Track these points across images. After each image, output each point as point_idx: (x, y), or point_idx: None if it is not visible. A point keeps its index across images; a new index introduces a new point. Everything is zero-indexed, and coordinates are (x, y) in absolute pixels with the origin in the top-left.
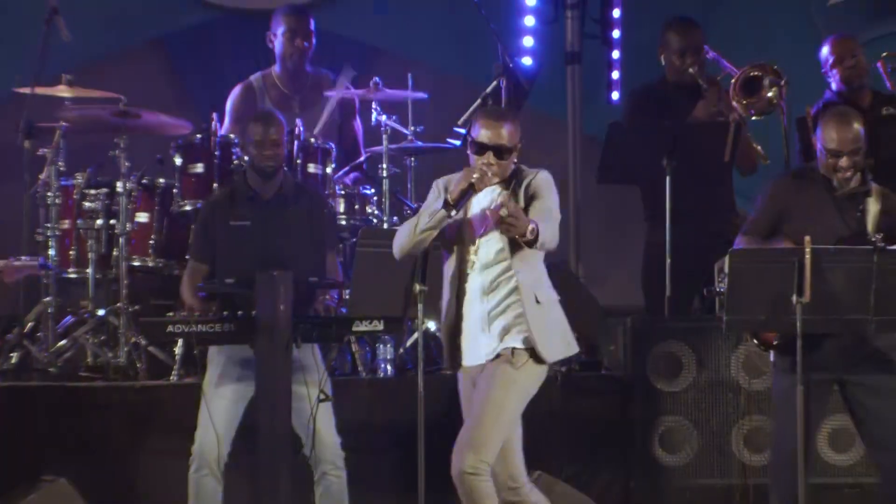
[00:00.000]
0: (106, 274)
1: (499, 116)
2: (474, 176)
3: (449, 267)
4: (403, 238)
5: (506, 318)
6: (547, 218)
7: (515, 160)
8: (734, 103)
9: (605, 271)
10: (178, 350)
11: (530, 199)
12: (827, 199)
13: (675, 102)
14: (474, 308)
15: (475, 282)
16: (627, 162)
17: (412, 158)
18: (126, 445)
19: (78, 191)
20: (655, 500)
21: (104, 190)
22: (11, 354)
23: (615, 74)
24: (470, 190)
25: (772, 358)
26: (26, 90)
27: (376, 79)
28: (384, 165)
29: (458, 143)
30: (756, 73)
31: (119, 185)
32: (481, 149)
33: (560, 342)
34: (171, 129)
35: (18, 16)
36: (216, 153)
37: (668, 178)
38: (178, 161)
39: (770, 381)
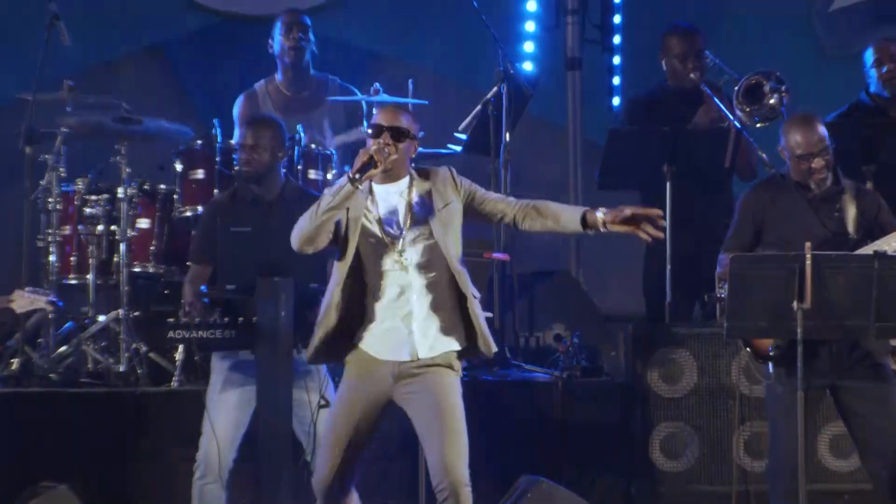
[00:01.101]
0: (107, 280)
1: (397, 106)
2: (372, 148)
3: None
4: (304, 223)
5: (435, 319)
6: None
7: (413, 156)
8: (737, 110)
9: (606, 277)
10: (178, 356)
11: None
12: (802, 204)
13: (676, 108)
14: (400, 305)
15: (404, 277)
16: (628, 168)
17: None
18: (127, 452)
19: (79, 197)
20: None
21: (105, 196)
22: (12, 361)
23: (616, 80)
24: (370, 163)
25: (770, 368)
26: (27, 96)
27: (377, 84)
28: None
29: (458, 148)
30: (758, 81)
31: (120, 191)
32: (378, 130)
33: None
34: (171, 135)
35: (19, 21)
36: (217, 159)
37: (668, 184)
38: (178, 167)
39: None
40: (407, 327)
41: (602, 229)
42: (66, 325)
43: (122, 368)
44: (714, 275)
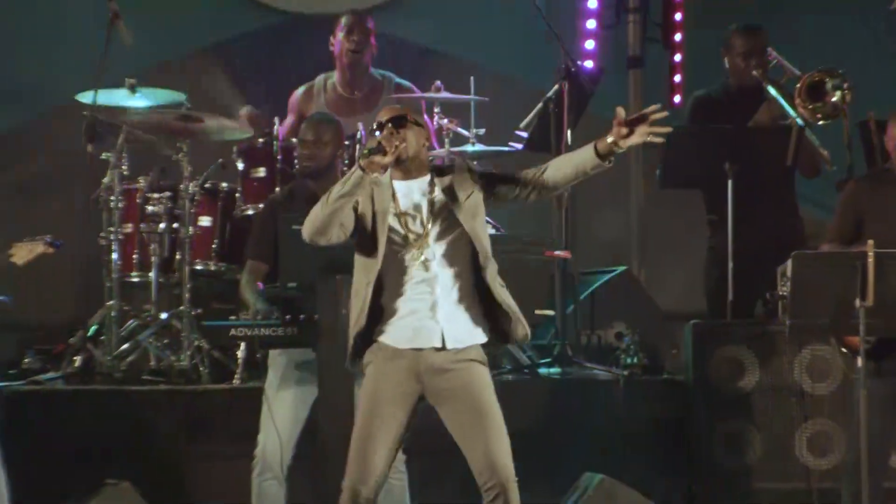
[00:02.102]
0: (169, 278)
1: (400, 102)
2: (381, 136)
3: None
4: (316, 212)
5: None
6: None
7: (426, 146)
8: (800, 108)
9: (667, 276)
10: (240, 353)
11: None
12: None
13: (738, 106)
14: (423, 298)
15: (425, 273)
16: (689, 166)
17: (475, 162)
18: (188, 449)
19: (141, 195)
20: (717, 503)
21: (167, 194)
22: (75, 358)
23: (677, 78)
24: (378, 149)
25: (858, 363)
26: (89, 94)
27: (438, 82)
28: None
29: (520, 146)
30: (821, 78)
31: (182, 189)
32: (378, 126)
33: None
34: (233, 133)
35: (81, 21)
36: (278, 157)
37: (730, 182)
38: (240, 165)
39: (835, 385)
40: (432, 317)
41: (617, 149)
42: (129, 322)
43: (184, 366)
44: (776, 272)
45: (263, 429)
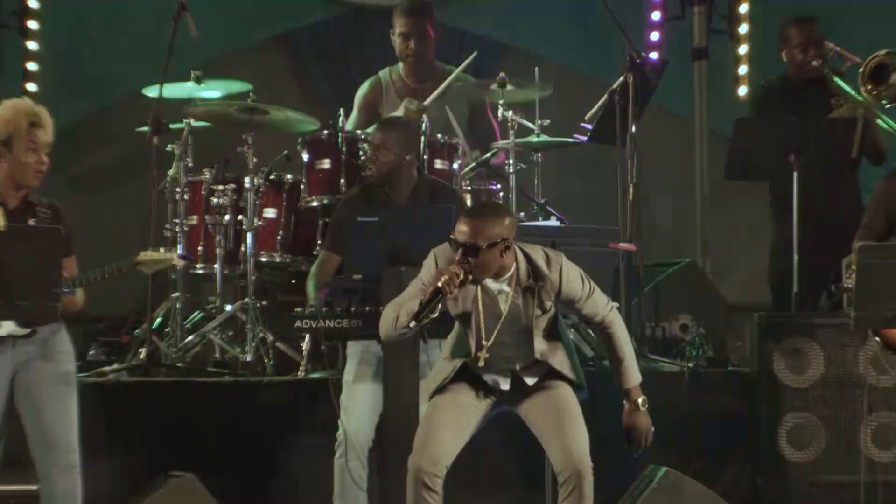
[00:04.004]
0: (233, 269)
1: (477, 213)
2: (443, 279)
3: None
4: (388, 327)
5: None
6: (592, 299)
7: (503, 255)
8: (863, 92)
9: (732, 267)
10: (305, 345)
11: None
12: None
13: (801, 97)
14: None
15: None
16: (754, 158)
17: (538, 154)
18: (253, 441)
19: (206, 187)
20: (782, 496)
21: (232, 186)
22: (140, 350)
23: (742, 70)
24: (439, 293)
25: None
26: (155, 86)
27: (502, 74)
28: (510, 161)
29: (584, 138)
30: (884, 61)
31: (247, 181)
32: (454, 245)
33: None
34: (298, 125)
35: (147, 12)
36: (343, 149)
37: (794, 174)
38: (305, 157)
39: None
40: None
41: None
42: (194, 314)
43: (248, 358)
44: (841, 264)
45: (344, 412)
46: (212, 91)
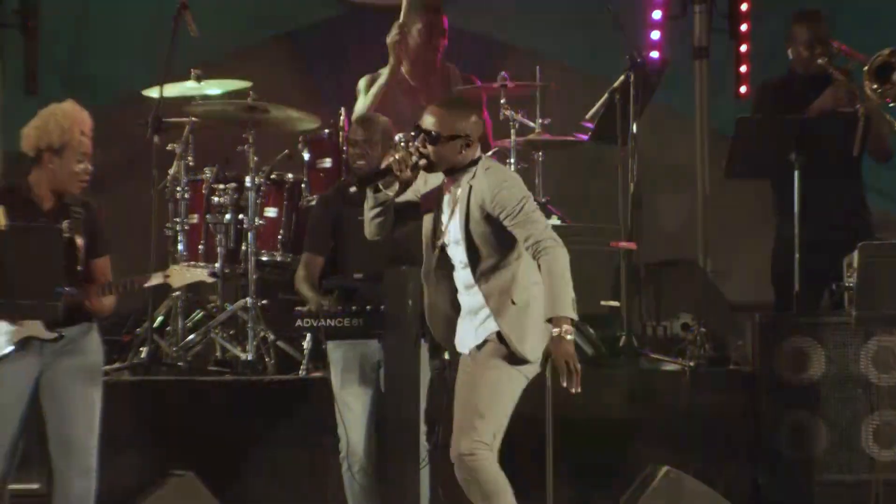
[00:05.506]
0: (234, 269)
1: (445, 104)
2: (397, 155)
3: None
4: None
5: (486, 311)
6: (525, 223)
7: (465, 151)
8: (867, 90)
9: (733, 266)
10: (306, 345)
11: (495, 211)
12: None
13: (804, 95)
14: (462, 299)
15: (459, 276)
16: (756, 156)
17: (540, 153)
18: (254, 439)
19: (206, 185)
20: (782, 495)
21: (233, 185)
22: (141, 349)
23: (743, 68)
24: (389, 170)
25: None
26: (155, 85)
27: (503, 73)
28: (512, 160)
29: (585, 136)
30: (888, 59)
31: (247, 180)
32: (416, 130)
33: (534, 342)
34: (298, 124)
35: (147, 11)
36: (344, 148)
37: (796, 173)
38: (306, 156)
39: None
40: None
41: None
42: (195, 313)
43: (249, 357)
44: (842, 263)
45: (341, 424)
46: (212, 90)
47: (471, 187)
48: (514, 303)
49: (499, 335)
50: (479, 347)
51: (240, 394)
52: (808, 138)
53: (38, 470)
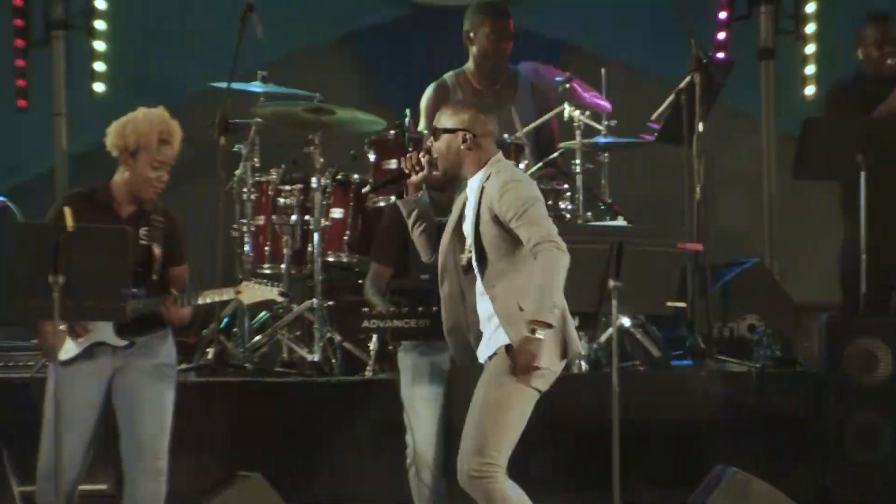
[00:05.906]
0: (301, 269)
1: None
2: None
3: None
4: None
5: (496, 320)
6: (528, 225)
7: (470, 148)
8: None
9: (800, 267)
10: (372, 346)
11: (501, 212)
12: None
13: (874, 96)
14: (479, 307)
15: (478, 282)
16: (824, 157)
17: (605, 154)
18: (320, 441)
19: (273, 187)
20: (850, 497)
21: (299, 186)
22: (207, 350)
23: (809, 70)
24: (399, 171)
25: None
26: (222, 86)
27: (568, 74)
28: (577, 161)
29: (651, 137)
30: None
31: (314, 181)
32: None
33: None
34: (364, 125)
35: (214, 12)
36: (410, 149)
37: (862, 174)
38: (371, 157)
39: None
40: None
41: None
42: (261, 314)
43: (316, 358)
44: None
45: (409, 428)
46: (278, 91)
47: (482, 189)
48: (521, 309)
49: (508, 347)
50: (490, 358)
51: (306, 395)
52: (875, 139)
53: (106, 470)
